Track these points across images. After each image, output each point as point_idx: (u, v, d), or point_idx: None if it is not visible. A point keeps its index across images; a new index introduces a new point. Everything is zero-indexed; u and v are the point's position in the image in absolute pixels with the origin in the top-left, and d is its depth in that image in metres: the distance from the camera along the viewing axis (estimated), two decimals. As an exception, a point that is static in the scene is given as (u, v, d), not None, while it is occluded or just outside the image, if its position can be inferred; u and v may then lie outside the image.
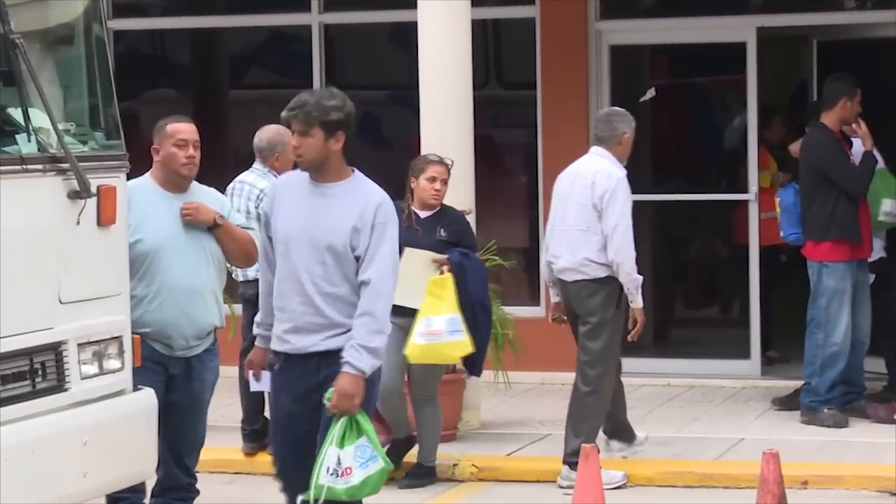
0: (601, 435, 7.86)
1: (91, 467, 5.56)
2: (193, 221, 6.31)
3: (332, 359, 5.41)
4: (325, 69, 10.76)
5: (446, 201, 7.85)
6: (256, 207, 7.77)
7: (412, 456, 7.90)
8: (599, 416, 7.67)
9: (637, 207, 7.85)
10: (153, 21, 11.50)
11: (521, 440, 8.58)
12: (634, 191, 7.77)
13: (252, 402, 8.04)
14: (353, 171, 5.56)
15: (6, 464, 5.14)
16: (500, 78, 10.94)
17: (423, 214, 7.72)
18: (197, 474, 6.56)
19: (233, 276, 7.87)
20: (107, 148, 5.86)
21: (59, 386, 5.53)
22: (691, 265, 11.31)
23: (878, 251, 9.08)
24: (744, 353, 10.17)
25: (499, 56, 10.99)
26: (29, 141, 5.46)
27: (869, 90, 8.97)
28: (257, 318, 5.73)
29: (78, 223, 5.59)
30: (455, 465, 8.06)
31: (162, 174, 6.36)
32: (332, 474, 5.29)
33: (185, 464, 6.46)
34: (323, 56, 10.79)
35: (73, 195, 5.56)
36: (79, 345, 5.62)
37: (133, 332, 6.05)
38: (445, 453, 8.06)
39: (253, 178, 8.06)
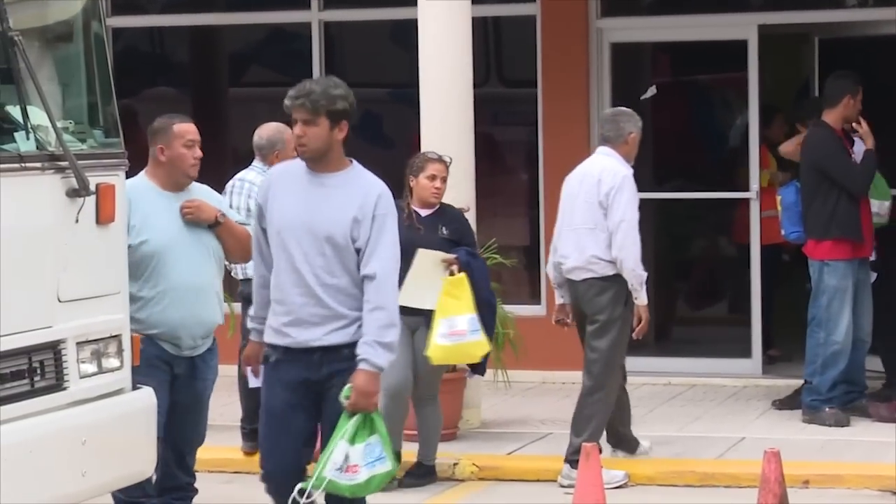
0: (605, 443, 7.83)
1: (90, 466, 5.54)
2: (195, 219, 6.30)
3: (335, 355, 5.37)
4: (325, 67, 10.74)
5: (445, 199, 7.83)
6: (257, 205, 7.75)
7: (412, 455, 7.88)
8: (603, 414, 7.65)
9: (638, 206, 7.83)
10: (152, 18, 11.48)
11: (521, 439, 8.56)
12: (635, 189, 7.78)
13: (251, 400, 8.02)
14: (352, 161, 5.51)
15: (5, 463, 5.12)
16: (500, 76, 10.93)
17: (424, 213, 7.69)
18: (196, 473, 6.55)
19: (231, 273, 7.85)
20: (105, 146, 5.84)
21: (58, 385, 5.51)
22: (692, 264, 11.30)
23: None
24: (745, 352, 10.16)
25: (499, 54, 10.97)
26: (27, 139, 5.44)
27: (870, 88, 8.95)
28: (251, 312, 5.67)
29: (77, 221, 5.57)
30: (455, 464, 8.04)
31: (165, 174, 6.32)
32: (337, 469, 5.25)
33: (186, 463, 6.45)
34: (323, 54, 10.77)
35: (72, 193, 5.54)
36: (77, 343, 5.60)
37: (142, 333, 6.07)
38: (446, 452, 8.04)
39: (253, 176, 8.05)
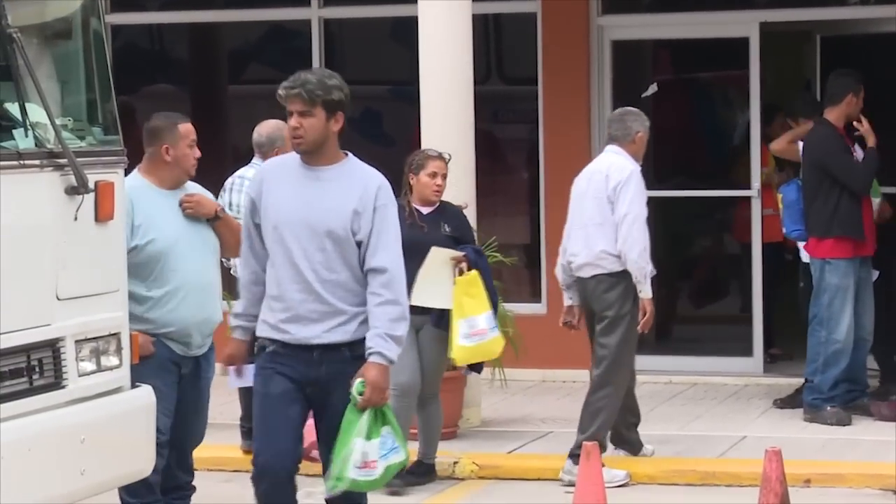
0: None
1: (89, 465, 5.52)
2: (196, 214, 6.28)
3: (334, 354, 5.31)
4: (325, 64, 10.71)
5: (445, 197, 7.80)
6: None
7: (413, 453, 7.85)
8: (610, 411, 7.64)
9: (646, 202, 7.81)
10: (151, 15, 11.46)
11: (521, 438, 8.54)
12: (636, 187, 7.76)
13: (250, 399, 7.99)
14: (347, 154, 5.42)
15: (3, 461, 5.11)
16: (501, 73, 10.91)
17: (425, 211, 7.65)
18: (194, 472, 6.53)
19: (231, 272, 7.83)
20: (104, 143, 5.83)
21: (57, 383, 5.49)
22: (693, 262, 11.28)
23: None
24: (746, 351, 10.14)
25: (500, 51, 10.95)
26: (26, 136, 5.42)
27: (872, 86, 8.93)
28: (237, 309, 5.55)
29: (75, 219, 5.56)
30: (455, 462, 8.03)
31: (167, 173, 6.28)
32: (358, 467, 5.21)
33: (187, 462, 6.44)
34: (323, 51, 10.75)
35: (71, 191, 5.52)
36: (76, 341, 5.58)
37: (153, 333, 6.07)
38: (446, 451, 8.02)
39: (252, 174, 8.02)
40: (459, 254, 7.52)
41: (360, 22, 10.90)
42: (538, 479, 7.86)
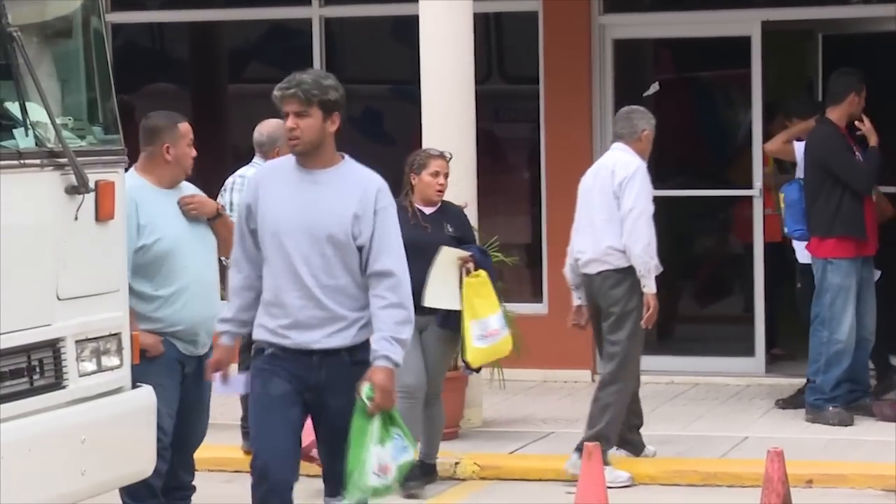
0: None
1: (89, 465, 5.51)
2: (199, 214, 6.27)
3: (334, 359, 5.27)
4: (326, 64, 10.70)
5: (446, 196, 7.77)
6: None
7: (414, 453, 7.83)
8: (619, 407, 7.63)
9: (651, 198, 7.80)
10: (152, 14, 11.45)
11: (523, 438, 8.52)
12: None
13: (252, 399, 7.98)
14: (344, 156, 5.36)
15: (4, 462, 5.10)
16: (502, 72, 10.89)
17: (428, 211, 7.60)
18: (195, 472, 6.52)
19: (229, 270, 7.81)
20: (105, 143, 5.82)
21: (57, 383, 5.49)
22: (695, 262, 11.25)
23: None
24: (748, 351, 10.13)
25: (501, 50, 10.93)
26: (26, 135, 5.41)
27: (874, 85, 8.91)
28: (225, 314, 5.47)
29: (76, 218, 5.55)
30: (457, 463, 8.01)
31: (167, 172, 6.26)
32: (376, 474, 5.19)
33: (189, 462, 6.42)
34: (323, 50, 10.73)
35: (71, 190, 5.51)
36: (77, 341, 5.57)
37: (161, 332, 6.05)
38: (447, 451, 8.00)
39: (253, 173, 8.00)
40: (467, 254, 7.50)
41: (360, 21, 10.88)
42: (539, 480, 7.84)
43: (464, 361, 7.84)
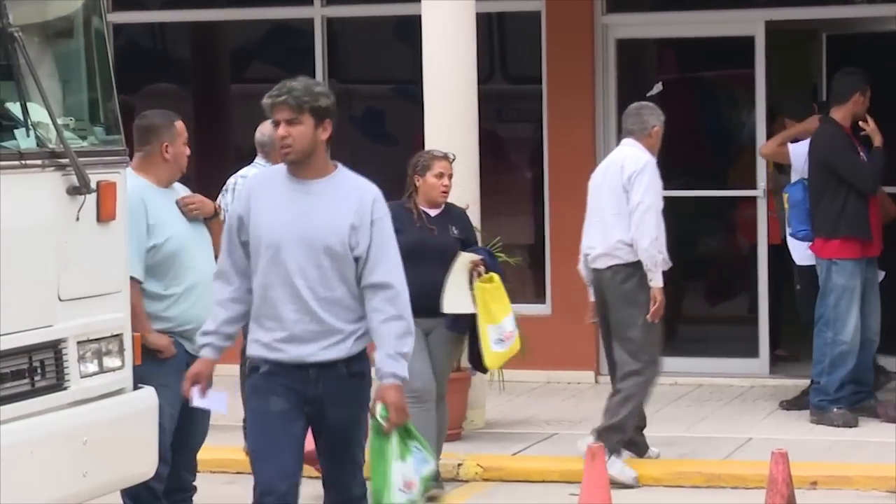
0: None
1: (91, 467, 5.50)
2: (200, 213, 6.27)
3: (330, 372, 5.17)
4: (328, 63, 10.69)
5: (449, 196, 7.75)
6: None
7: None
8: (640, 399, 7.64)
9: (661, 193, 7.77)
10: (153, 14, 11.43)
11: (526, 440, 8.50)
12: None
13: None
14: (337, 165, 5.26)
15: (5, 463, 5.08)
16: (505, 72, 10.87)
17: (433, 213, 7.54)
18: (196, 473, 6.50)
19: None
20: (106, 143, 5.81)
21: (59, 384, 5.47)
22: (698, 262, 11.22)
23: None
24: (752, 352, 10.11)
25: (504, 50, 10.92)
26: (28, 136, 5.40)
27: (878, 85, 8.88)
28: (206, 327, 5.33)
29: (77, 219, 5.53)
30: (460, 464, 7.99)
31: (165, 171, 6.25)
32: (402, 490, 5.17)
33: (193, 463, 6.40)
34: (325, 50, 10.72)
35: (73, 191, 5.50)
36: (78, 342, 5.55)
37: (171, 331, 6.03)
38: (450, 453, 7.98)
39: (255, 174, 7.98)
40: (479, 257, 7.47)
41: (363, 21, 10.86)
42: (543, 482, 7.83)
43: (471, 363, 7.82)
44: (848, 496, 7.47)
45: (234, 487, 7.82)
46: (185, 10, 11.13)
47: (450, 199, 7.72)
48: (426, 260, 7.19)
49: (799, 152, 9.02)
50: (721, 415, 9.14)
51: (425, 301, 7.23)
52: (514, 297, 9.30)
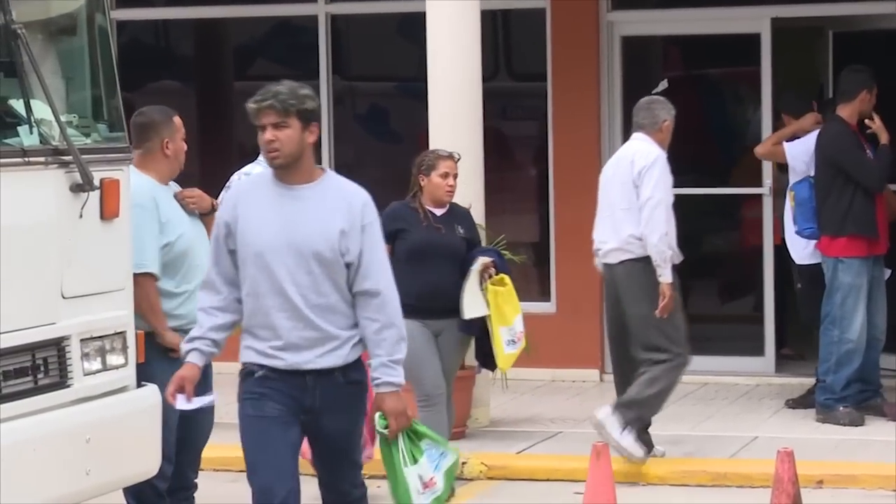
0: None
1: (94, 465, 5.49)
2: (198, 208, 6.25)
3: (327, 379, 5.11)
4: (332, 60, 10.66)
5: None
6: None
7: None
8: (668, 384, 7.62)
9: (671, 188, 7.75)
10: (157, 11, 11.42)
11: (530, 438, 8.48)
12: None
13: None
14: (325, 169, 5.20)
15: (7, 461, 5.07)
16: (509, 69, 10.85)
17: (438, 212, 7.49)
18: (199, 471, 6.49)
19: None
20: (110, 140, 5.80)
21: (62, 382, 5.46)
22: (704, 261, 11.19)
23: None
24: (758, 350, 10.08)
25: (508, 47, 10.89)
26: (31, 133, 5.39)
27: (885, 82, 8.86)
28: (192, 333, 5.24)
29: (80, 216, 5.52)
30: (464, 463, 7.95)
31: (166, 168, 6.23)
32: (421, 492, 5.16)
33: (197, 461, 6.39)
34: (329, 47, 10.70)
35: (76, 188, 5.50)
36: (81, 340, 5.55)
37: (182, 329, 5.97)
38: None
39: (258, 171, 7.96)
40: (490, 259, 7.45)
41: (367, 18, 10.84)
42: (547, 480, 7.81)
43: (478, 360, 7.80)
44: (854, 495, 7.46)
45: (237, 486, 7.77)
46: (188, 7, 11.10)
47: (454, 199, 7.70)
48: (434, 260, 7.16)
49: (795, 151, 8.99)
50: (727, 413, 9.12)
51: (434, 302, 7.22)
52: (519, 296, 9.28)
